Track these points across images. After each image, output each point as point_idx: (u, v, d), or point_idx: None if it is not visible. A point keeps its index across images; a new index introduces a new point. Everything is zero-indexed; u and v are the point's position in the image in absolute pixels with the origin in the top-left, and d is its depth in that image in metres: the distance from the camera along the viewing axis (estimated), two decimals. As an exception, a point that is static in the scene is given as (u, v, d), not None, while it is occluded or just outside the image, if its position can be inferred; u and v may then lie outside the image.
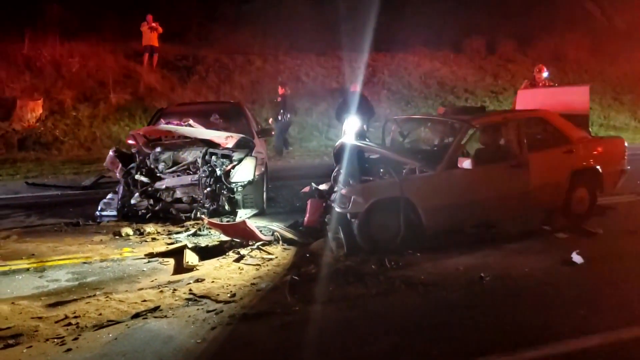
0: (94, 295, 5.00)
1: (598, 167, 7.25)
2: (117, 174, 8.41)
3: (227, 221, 7.56)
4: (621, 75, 23.27)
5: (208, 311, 4.58)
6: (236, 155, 8.22)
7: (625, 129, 20.15)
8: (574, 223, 7.05)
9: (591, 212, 7.35)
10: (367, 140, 7.75)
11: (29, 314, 4.59)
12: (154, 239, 7.02)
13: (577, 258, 5.71)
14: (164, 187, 8.06)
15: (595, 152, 7.40)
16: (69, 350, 3.93)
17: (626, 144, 7.83)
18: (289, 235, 6.68)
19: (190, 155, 8.30)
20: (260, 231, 6.75)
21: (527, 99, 9.34)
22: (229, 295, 4.94)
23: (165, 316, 4.50)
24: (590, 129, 8.28)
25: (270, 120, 15.48)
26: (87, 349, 3.95)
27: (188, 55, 19.60)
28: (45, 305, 4.80)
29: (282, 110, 15.39)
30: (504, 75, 22.46)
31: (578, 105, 8.09)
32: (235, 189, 8.04)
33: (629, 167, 7.72)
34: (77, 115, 16.26)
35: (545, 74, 11.56)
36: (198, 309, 4.63)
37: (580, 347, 3.93)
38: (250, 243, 6.41)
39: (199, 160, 8.12)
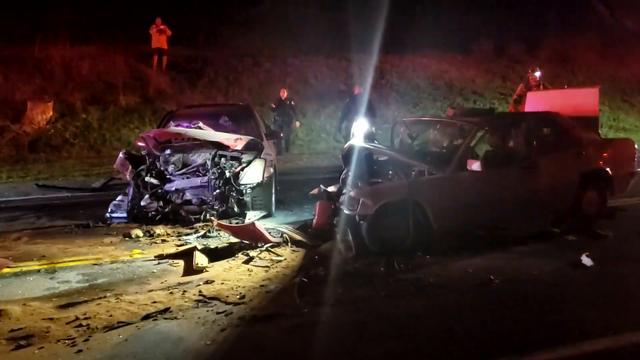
0: (105, 297, 5.02)
1: (608, 169, 7.22)
2: (127, 176, 8.45)
3: (237, 223, 7.58)
4: (631, 76, 23.14)
5: (218, 313, 4.60)
6: (245, 158, 8.24)
7: (635, 130, 20.02)
8: (584, 225, 7.02)
9: (601, 214, 7.30)
10: (375, 142, 7.73)
11: (40, 315, 4.63)
12: (163, 240, 7.05)
13: (586, 260, 5.68)
14: (173, 189, 8.11)
15: (605, 154, 7.37)
16: (79, 351, 3.95)
17: (636, 146, 7.80)
18: (298, 237, 6.69)
19: (200, 158, 8.33)
20: (269, 233, 6.76)
21: (536, 101, 9.31)
22: (238, 297, 4.96)
23: (175, 317, 4.52)
24: (599, 131, 8.24)
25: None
26: (97, 350, 3.97)
27: (197, 57, 19.69)
28: (56, 307, 4.83)
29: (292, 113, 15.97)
30: (513, 77, 22.35)
31: (587, 107, 8.05)
32: (244, 191, 8.07)
33: (639, 169, 7.68)
34: (86, 117, 16.38)
35: (537, 73, 11.68)
36: (208, 311, 4.65)
37: (590, 350, 3.90)
38: (259, 245, 6.42)
39: (209, 162, 8.15)
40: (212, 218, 7.69)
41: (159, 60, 18.48)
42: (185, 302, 4.86)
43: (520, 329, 4.23)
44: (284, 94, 15.97)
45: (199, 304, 4.82)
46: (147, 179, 8.16)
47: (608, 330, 4.18)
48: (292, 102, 16.16)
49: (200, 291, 5.09)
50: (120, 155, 8.63)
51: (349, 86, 19.06)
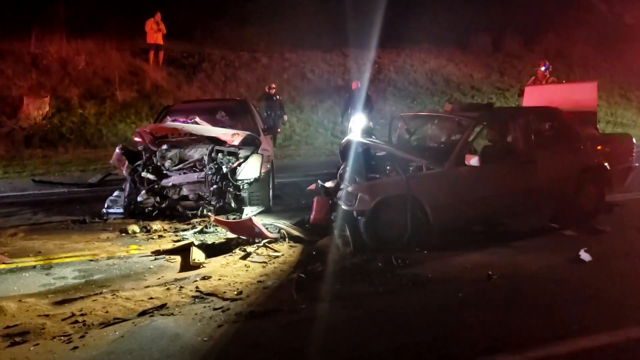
0: (101, 293, 5.00)
1: (606, 164, 7.20)
2: (124, 172, 8.42)
3: (234, 218, 7.55)
4: (628, 71, 23.13)
5: (215, 309, 4.58)
6: (242, 153, 8.21)
7: (633, 125, 20.04)
8: (582, 221, 7.01)
9: (599, 209, 7.29)
10: (373, 137, 7.71)
11: (36, 311, 4.60)
12: (160, 236, 7.03)
13: (585, 256, 5.68)
14: (170, 184, 8.07)
15: (603, 149, 7.35)
16: (75, 348, 3.93)
17: (634, 141, 7.78)
18: (296, 232, 6.67)
19: (197, 153, 8.30)
20: (267, 228, 6.73)
21: (534, 96, 9.30)
22: (235, 292, 4.94)
23: (172, 314, 4.49)
24: (597, 126, 8.23)
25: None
26: (93, 346, 3.95)
27: (194, 52, 19.62)
28: (52, 303, 4.81)
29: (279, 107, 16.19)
30: (511, 72, 22.38)
31: (586, 102, 8.04)
32: (241, 187, 8.04)
33: (637, 164, 7.67)
34: (83, 112, 16.30)
35: (542, 68, 11.80)
36: (205, 307, 4.63)
37: (589, 346, 3.90)
38: (256, 240, 6.40)
39: (205, 158, 8.12)
40: (209, 214, 7.66)
41: (156, 55, 18.40)
42: (182, 298, 4.84)
43: (518, 325, 4.22)
44: (273, 88, 16.05)
45: (196, 300, 4.80)
46: (143, 174, 8.13)
47: (606, 325, 4.17)
48: (279, 97, 16.26)
49: (197, 287, 5.07)
50: (117, 150, 8.59)
51: (347, 81, 19.04)
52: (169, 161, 8.25)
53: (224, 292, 4.94)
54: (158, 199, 8.02)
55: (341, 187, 6.79)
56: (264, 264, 5.73)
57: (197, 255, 5.92)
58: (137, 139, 8.58)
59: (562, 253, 5.90)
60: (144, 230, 7.24)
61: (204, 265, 5.76)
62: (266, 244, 6.30)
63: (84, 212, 8.27)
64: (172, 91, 17.65)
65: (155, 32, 17.87)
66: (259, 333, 4.17)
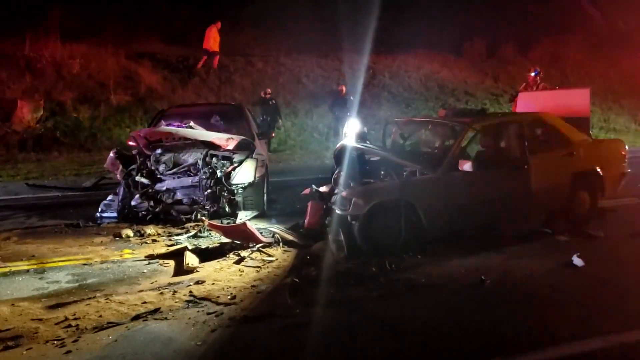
0: (94, 297, 4.99)
1: (599, 169, 7.25)
2: (118, 176, 8.40)
3: (228, 223, 7.55)
4: (622, 77, 23.26)
5: (208, 313, 4.58)
6: (237, 157, 8.21)
7: (626, 131, 20.15)
8: (575, 226, 7.05)
9: (592, 215, 7.34)
10: (367, 142, 7.73)
11: (29, 315, 4.59)
12: (154, 240, 7.01)
13: (577, 261, 5.70)
14: (164, 188, 8.06)
15: (596, 155, 7.40)
16: (68, 352, 3.92)
17: (627, 147, 7.83)
18: (290, 237, 6.67)
19: (191, 157, 8.29)
20: (261, 233, 6.74)
21: (527, 102, 9.34)
22: (229, 297, 4.94)
23: (166, 318, 4.49)
24: (590, 132, 8.28)
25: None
26: (87, 350, 3.94)
27: (189, 56, 19.60)
28: (45, 307, 4.79)
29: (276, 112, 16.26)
30: (504, 77, 22.46)
31: (579, 108, 8.08)
32: (235, 191, 8.04)
33: (629, 170, 7.72)
34: (77, 116, 16.25)
35: (533, 73, 11.98)
36: (198, 311, 4.63)
37: (581, 350, 3.92)
38: (250, 245, 6.40)
39: (200, 162, 8.11)
40: (203, 218, 7.65)
41: (210, 59, 18.69)
42: (176, 302, 4.84)
43: (511, 330, 4.24)
44: (268, 92, 16.18)
45: (190, 304, 4.80)
46: (137, 178, 8.11)
47: (599, 330, 4.19)
48: (275, 102, 16.35)
49: (190, 291, 5.07)
50: (111, 154, 8.56)
51: (337, 86, 19.12)
52: (163, 165, 8.23)
53: (218, 297, 4.94)
54: (152, 203, 8.00)
55: (335, 191, 6.80)
56: (258, 269, 5.73)
57: (190, 259, 5.91)
58: (131, 143, 8.58)
59: (554, 258, 5.93)
60: (138, 234, 7.22)
61: (198, 269, 5.75)
62: (260, 248, 6.30)
63: (77, 216, 8.23)
64: (166, 95, 17.62)
65: (215, 39, 18.18)
66: (253, 337, 4.17)
